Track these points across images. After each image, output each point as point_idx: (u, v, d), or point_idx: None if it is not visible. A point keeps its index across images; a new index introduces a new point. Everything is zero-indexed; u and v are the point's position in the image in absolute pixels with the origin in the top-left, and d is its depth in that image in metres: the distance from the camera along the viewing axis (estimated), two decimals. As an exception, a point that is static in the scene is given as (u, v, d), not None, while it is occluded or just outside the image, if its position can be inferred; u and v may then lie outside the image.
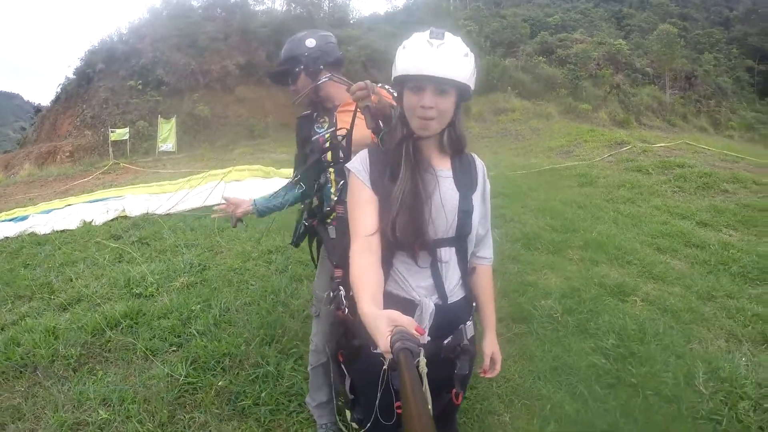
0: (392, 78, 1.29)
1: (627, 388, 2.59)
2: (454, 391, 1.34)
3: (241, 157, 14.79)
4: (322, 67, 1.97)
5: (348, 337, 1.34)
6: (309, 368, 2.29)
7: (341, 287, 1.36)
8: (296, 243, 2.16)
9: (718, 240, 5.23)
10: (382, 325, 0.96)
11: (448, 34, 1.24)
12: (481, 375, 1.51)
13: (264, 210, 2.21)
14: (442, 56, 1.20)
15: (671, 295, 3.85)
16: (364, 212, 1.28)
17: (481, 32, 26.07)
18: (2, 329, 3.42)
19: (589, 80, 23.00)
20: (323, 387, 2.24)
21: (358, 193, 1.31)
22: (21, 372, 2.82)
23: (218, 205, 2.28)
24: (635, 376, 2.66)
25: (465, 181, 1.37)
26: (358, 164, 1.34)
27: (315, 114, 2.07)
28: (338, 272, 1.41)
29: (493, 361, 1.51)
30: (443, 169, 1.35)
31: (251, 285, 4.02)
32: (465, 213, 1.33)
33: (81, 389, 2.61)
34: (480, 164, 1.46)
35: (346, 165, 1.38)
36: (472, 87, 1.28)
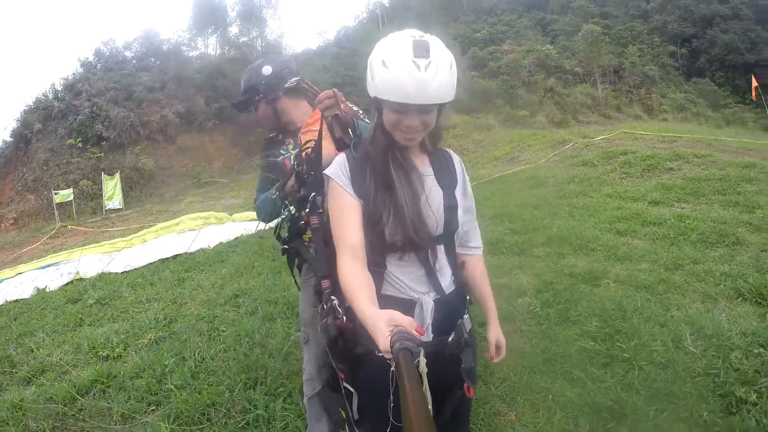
0: (370, 93, 1.20)
1: (621, 364, 2.62)
2: (465, 385, 1.32)
3: (189, 206, 14.54)
4: (280, 93, 2.02)
5: (349, 347, 1.27)
6: (305, 400, 2.17)
7: (333, 297, 1.30)
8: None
9: (672, 214, 5.48)
10: (382, 325, 0.96)
11: (432, 45, 1.14)
12: (490, 360, 1.54)
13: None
14: (429, 81, 1.10)
15: (640, 271, 3.97)
16: (348, 221, 1.25)
17: (412, 55, 26.79)
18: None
19: (523, 87, 24.05)
20: (323, 417, 2.13)
21: (340, 201, 1.28)
22: (-10, 456, 2.57)
23: None
24: (626, 350, 2.70)
25: (446, 177, 1.37)
26: (338, 170, 1.30)
27: (280, 136, 2.12)
28: (326, 283, 1.35)
29: (498, 347, 1.52)
30: (424, 167, 1.35)
31: (223, 331, 3.84)
32: (451, 209, 1.33)
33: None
34: (456, 159, 1.46)
35: (324, 171, 1.33)
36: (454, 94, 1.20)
